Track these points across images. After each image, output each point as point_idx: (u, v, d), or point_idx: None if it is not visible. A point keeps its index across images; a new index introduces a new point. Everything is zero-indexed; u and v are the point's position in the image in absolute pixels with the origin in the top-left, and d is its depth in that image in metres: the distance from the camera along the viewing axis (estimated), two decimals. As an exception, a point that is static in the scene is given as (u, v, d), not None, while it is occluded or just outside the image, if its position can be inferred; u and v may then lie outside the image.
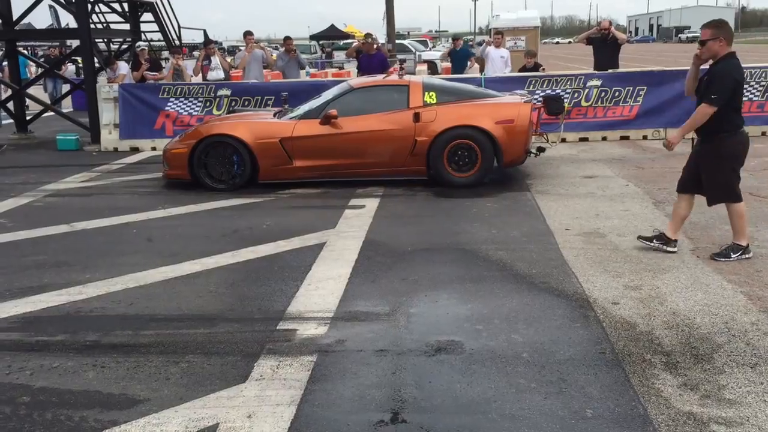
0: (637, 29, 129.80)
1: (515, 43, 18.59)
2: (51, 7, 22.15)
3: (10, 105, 14.36)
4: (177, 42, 17.69)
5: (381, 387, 3.61)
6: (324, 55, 40.24)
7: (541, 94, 11.12)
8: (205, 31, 19.80)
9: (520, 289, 4.96)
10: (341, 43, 43.66)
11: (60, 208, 8.02)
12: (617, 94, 11.71)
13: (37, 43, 25.36)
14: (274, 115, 9.12)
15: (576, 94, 11.72)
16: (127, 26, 16.07)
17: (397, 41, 30.71)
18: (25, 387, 3.71)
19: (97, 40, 16.49)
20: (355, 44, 15.67)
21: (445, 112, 8.39)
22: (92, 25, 16.04)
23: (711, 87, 5.24)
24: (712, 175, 5.40)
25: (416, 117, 8.32)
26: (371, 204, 7.67)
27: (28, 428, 3.30)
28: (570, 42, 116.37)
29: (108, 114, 12.38)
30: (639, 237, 5.84)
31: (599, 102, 11.74)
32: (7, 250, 6.35)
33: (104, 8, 16.35)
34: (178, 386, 3.69)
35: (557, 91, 11.70)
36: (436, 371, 3.78)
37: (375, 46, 13.22)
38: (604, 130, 11.77)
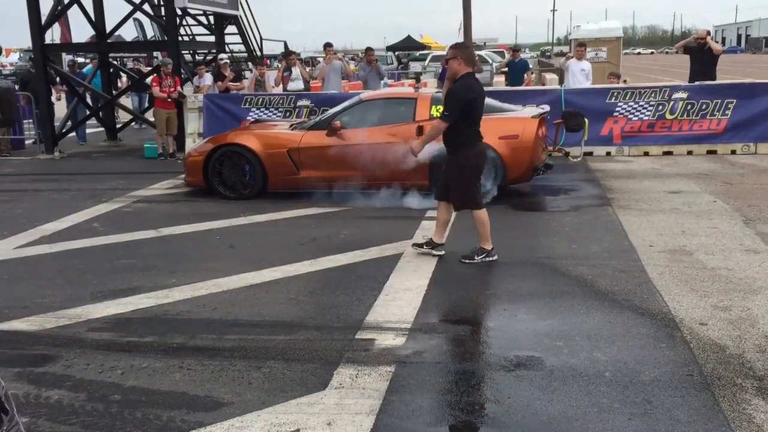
0: (724, 39, 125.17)
1: (596, 54, 18.22)
2: (136, 20, 23.07)
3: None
4: (258, 53, 18.16)
5: (460, 400, 3.60)
6: (400, 65, 40.48)
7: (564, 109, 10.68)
8: (285, 43, 20.29)
9: (602, 306, 4.86)
10: (417, 53, 43.78)
11: (148, 214, 8.34)
12: (704, 106, 11.33)
13: (127, 55, 26.51)
14: (291, 126, 9.21)
15: (660, 107, 11.40)
16: (212, 38, 16.61)
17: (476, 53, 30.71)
18: (117, 385, 3.87)
19: (183, 52, 17.13)
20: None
21: None
22: (180, 38, 16.69)
23: (445, 105, 5.86)
24: (455, 183, 5.97)
25: (420, 130, 8.10)
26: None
27: (119, 425, 3.44)
28: (652, 53, 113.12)
29: (193, 123, 12.81)
30: (413, 245, 6.30)
31: (685, 115, 11.39)
32: (100, 253, 6.65)
33: (191, 21, 16.93)
34: (260, 391, 3.78)
35: (641, 103, 11.43)
36: (515, 386, 3.73)
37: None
38: (689, 144, 11.40)
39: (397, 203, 8.08)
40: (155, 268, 6.07)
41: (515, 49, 15.47)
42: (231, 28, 17.18)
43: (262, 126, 9.62)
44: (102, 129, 15.79)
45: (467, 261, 5.93)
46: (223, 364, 4.12)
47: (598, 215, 7.52)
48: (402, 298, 5.15)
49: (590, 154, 11.41)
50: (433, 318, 4.76)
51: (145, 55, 24.09)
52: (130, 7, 14.04)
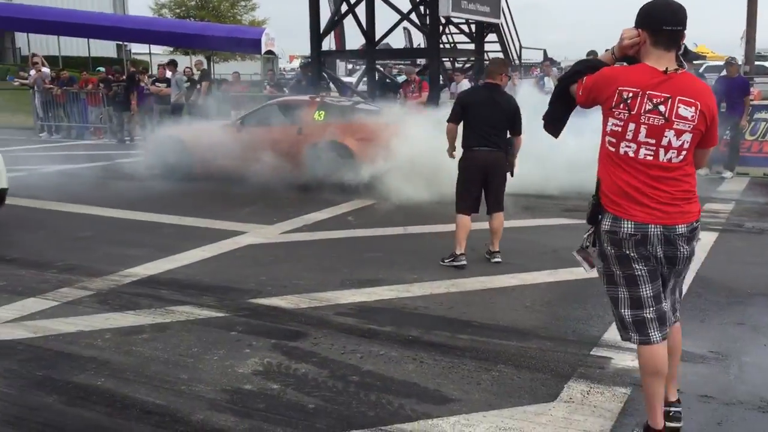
0: None
1: None
2: (405, 29, 24.44)
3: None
4: (517, 61, 18.20)
5: (702, 436, 3.32)
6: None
7: None
8: (545, 51, 20.06)
9: None
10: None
11: (394, 212, 8.65)
12: None
13: (393, 62, 28.07)
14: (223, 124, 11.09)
15: None
16: (471, 46, 16.98)
17: (757, 62, 27.38)
18: (355, 368, 4.13)
19: (443, 59, 17.72)
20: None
21: (322, 128, 9.76)
22: (441, 45, 17.29)
23: None
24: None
25: (299, 131, 9.92)
26: (708, 238, 7.04)
27: (355, 405, 3.67)
28: None
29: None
30: (442, 258, 6.27)
31: None
32: (351, 245, 7.14)
33: (453, 29, 17.46)
34: (488, 393, 3.80)
35: None
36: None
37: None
38: None
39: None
40: (398, 263, 6.36)
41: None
42: (491, 36, 17.42)
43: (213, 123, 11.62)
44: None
45: (442, 262, 6.25)
46: (454, 361, 4.21)
47: None
48: (645, 320, 4.84)
49: None
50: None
51: (409, 62, 25.33)
52: (398, 17, 14.83)
